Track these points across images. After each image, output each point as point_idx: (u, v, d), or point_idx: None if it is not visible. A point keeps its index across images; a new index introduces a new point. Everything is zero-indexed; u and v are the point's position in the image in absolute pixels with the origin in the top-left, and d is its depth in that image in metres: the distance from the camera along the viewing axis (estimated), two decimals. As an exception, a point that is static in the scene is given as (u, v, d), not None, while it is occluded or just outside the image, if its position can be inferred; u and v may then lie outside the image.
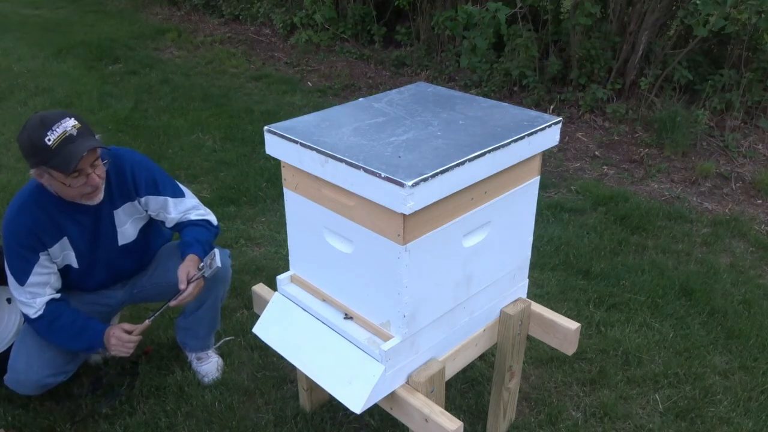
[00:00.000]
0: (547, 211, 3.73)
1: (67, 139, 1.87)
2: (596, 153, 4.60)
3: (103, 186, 2.07)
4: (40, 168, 1.92)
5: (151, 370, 2.53)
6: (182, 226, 2.25)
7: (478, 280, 1.80)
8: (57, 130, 1.87)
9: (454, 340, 1.83)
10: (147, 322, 2.16)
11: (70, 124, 1.89)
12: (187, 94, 5.66)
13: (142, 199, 2.20)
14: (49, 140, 1.86)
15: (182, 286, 2.10)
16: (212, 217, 2.32)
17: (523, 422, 2.29)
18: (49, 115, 1.91)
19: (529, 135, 1.68)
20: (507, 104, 1.89)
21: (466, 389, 2.45)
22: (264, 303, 2.01)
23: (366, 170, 1.47)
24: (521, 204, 1.83)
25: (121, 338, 2.09)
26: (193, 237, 2.21)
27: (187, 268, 2.12)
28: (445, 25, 5.44)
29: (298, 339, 1.84)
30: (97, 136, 1.99)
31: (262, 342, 1.93)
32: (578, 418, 2.32)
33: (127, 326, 2.13)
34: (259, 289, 2.12)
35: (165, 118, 5.14)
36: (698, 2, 4.04)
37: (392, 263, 1.55)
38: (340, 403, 1.70)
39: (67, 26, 8.10)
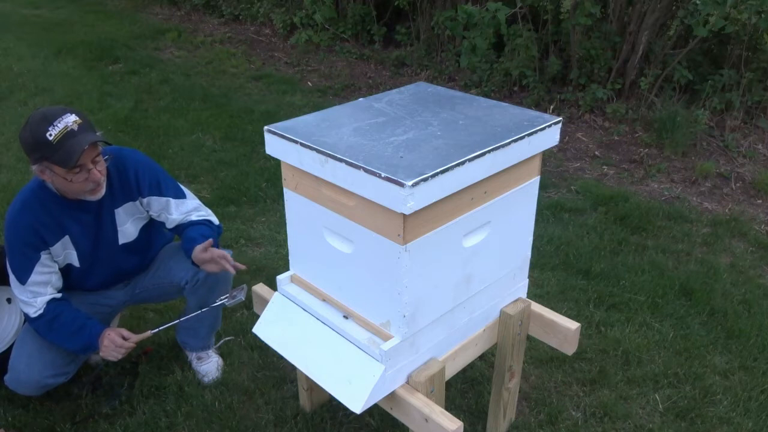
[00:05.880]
0: (547, 211, 3.73)
1: (68, 134, 1.88)
2: (596, 153, 4.60)
3: (105, 182, 2.07)
4: (41, 164, 1.93)
5: (151, 370, 2.53)
6: (183, 226, 2.25)
7: (478, 280, 1.80)
8: (58, 125, 1.88)
9: (454, 340, 1.83)
10: (148, 332, 2.15)
11: (71, 119, 1.90)
12: (187, 94, 5.66)
13: (145, 200, 2.20)
14: (50, 135, 1.86)
15: (204, 250, 2.08)
16: (214, 218, 2.32)
17: (523, 422, 2.29)
18: (51, 111, 1.92)
19: (529, 135, 1.68)
20: (507, 104, 1.89)
21: (466, 389, 2.45)
22: (264, 303, 2.01)
23: (366, 170, 1.47)
24: (521, 204, 1.83)
25: (115, 341, 2.07)
26: (198, 233, 2.20)
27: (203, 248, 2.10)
28: (445, 25, 5.44)
29: (298, 339, 1.84)
30: (98, 133, 2.00)
31: (262, 342, 1.93)
32: (578, 418, 2.33)
33: (125, 332, 2.11)
34: (259, 289, 2.12)
35: (165, 118, 5.14)
36: (698, 2, 4.04)
37: (392, 263, 1.55)
38: (340, 403, 1.70)
39: (67, 26, 8.10)
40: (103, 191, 2.07)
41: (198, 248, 2.09)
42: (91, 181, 1.99)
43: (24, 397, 2.30)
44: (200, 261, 2.11)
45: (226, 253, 2.10)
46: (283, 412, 2.32)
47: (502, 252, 1.85)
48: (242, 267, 2.12)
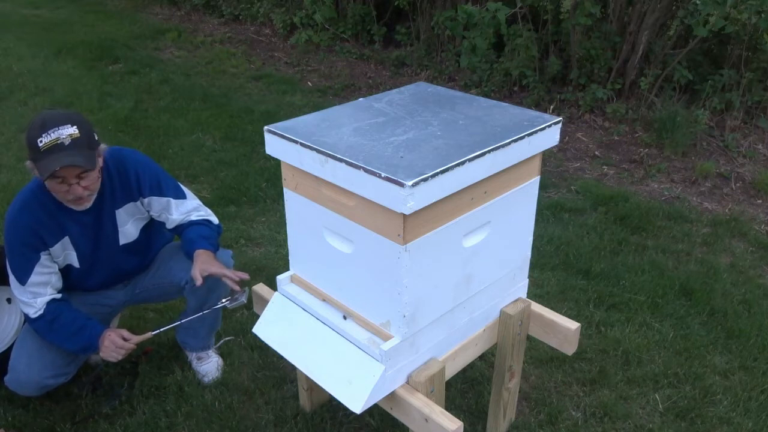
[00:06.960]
0: (547, 211, 3.73)
1: (56, 147, 1.87)
2: (596, 153, 4.60)
3: (91, 196, 2.05)
4: (32, 164, 1.94)
5: (151, 370, 2.53)
6: (183, 227, 2.25)
7: (478, 280, 1.80)
8: (51, 134, 1.88)
9: (454, 340, 1.83)
10: (149, 333, 2.15)
11: (66, 132, 1.89)
12: (187, 94, 5.66)
13: (145, 200, 2.20)
14: (41, 142, 1.87)
15: (198, 283, 2.09)
16: (213, 218, 2.32)
17: (523, 422, 2.29)
18: (52, 118, 1.91)
19: (529, 135, 1.68)
20: (507, 104, 1.89)
21: (466, 389, 2.45)
22: (264, 303, 2.02)
23: (366, 170, 1.47)
24: (521, 204, 1.83)
25: (115, 342, 2.07)
26: (197, 234, 2.21)
27: (201, 265, 2.10)
28: (445, 25, 5.44)
29: (298, 339, 1.84)
30: (98, 147, 1.99)
31: (262, 342, 1.93)
32: (578, 418, 2.32)
33: (125, 333, 2.11)
34: (259, 289, 2.12)
35: (165, 118, 5.14)
36: (698, 2, 4.04)
37: (392, 263, 1.55)
38: (340, 403, 1.70)
39: (67, 26, 8.10)
40: (88, 204, 2.06)
41: (195, 273, 2.09)
42: (71, 194, 1.98)
43: (24, 397, 2.30)
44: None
45: (227, 270, 2.11)
46: (283, 412, 2.32)
47: (502, 252, 1.85)
48: (246, 276, 2.13)
